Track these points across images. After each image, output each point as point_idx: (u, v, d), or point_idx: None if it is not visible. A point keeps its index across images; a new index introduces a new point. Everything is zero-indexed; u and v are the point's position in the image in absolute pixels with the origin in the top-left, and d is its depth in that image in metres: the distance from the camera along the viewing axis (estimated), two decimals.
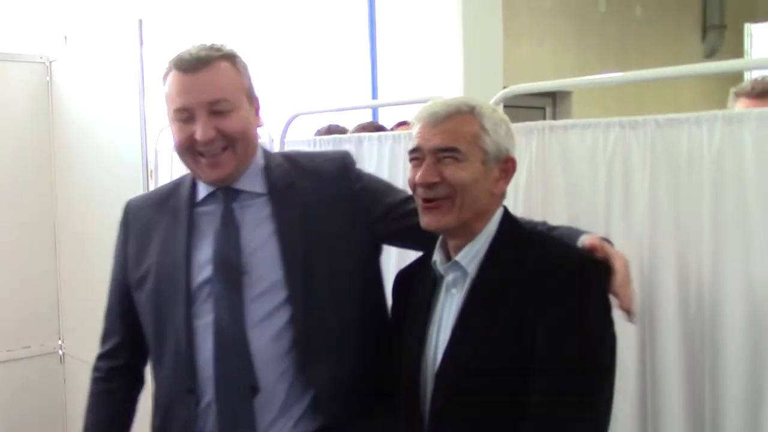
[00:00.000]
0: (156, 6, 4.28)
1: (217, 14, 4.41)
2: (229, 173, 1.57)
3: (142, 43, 2.65)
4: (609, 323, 1.31)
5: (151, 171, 3.25)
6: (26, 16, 4.04)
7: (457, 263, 1.40)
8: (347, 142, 2.48)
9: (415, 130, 1.41)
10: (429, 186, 1.37)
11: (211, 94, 1.52)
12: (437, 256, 1.45)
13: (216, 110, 1.52)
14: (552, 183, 1.86)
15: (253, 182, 1.62)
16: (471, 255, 1.39)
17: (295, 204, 1.60)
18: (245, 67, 1.61)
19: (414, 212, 1.48)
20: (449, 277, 1.42)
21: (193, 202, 1.63)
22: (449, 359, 1.36)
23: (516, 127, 1.93)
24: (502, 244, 1.39)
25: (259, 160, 1.64)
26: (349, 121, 3.21)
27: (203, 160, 1.54)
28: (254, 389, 1.53)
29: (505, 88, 1.97)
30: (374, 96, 3.98)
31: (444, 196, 1.36)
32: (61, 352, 3.28)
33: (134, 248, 1.68)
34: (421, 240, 1.54)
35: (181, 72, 1.53)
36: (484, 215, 1.40)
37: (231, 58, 1.57)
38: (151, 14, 3.38)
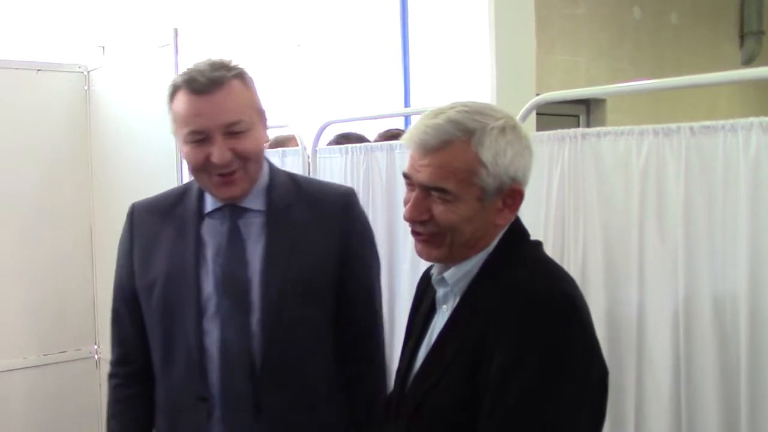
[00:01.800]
0: (191, 15, 4.34)
1: (251, 23, 4.46)
2: (243, 191, 1.61)
3: (177, 52, 2.69)
4: (568, 364, 1.13)
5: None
6: (65, 26, 4.12)
7: (444, 279, 1.30)
8: (379, 150, 2.49)
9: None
10: (417, 222, 1.26)
11: (227, 117, 1.53)
12: (435, 268, 1.35)
13: (231, 131, 1.53)
14: (584, 191, 1.84)
15: (256, 200, 1.65)
16: (460, 274, 1.28)
17: (288, 227, 1.64)
18: (253, 82, 1.62)
19: (363, 286, 1.70)
20: (439, 293, 1.33)
21: (200, 213, 1.65)
22: (416, 380, 1.30)
23: (548, 134, 1.93)
24: (494, 265, 1.26)
25: (264, 177, 1.67)
26: (375, 130, 3.22)
27: (217, 179, 1.56)
28: (258, 408, 1.58)
29: (537, 95, 1.97)
30: (406, 104, 3.98)
31: (434, 233, 1.25)
32: (96, 357, 3.32)
33: (140, 254, 1.69)
34: (347, 311, 1.69)
35: (194, 93, 1.52)
36: (483, 243, 1.27)
37: (241, 75, 1.58)
38: (186, 23, 3.43)
